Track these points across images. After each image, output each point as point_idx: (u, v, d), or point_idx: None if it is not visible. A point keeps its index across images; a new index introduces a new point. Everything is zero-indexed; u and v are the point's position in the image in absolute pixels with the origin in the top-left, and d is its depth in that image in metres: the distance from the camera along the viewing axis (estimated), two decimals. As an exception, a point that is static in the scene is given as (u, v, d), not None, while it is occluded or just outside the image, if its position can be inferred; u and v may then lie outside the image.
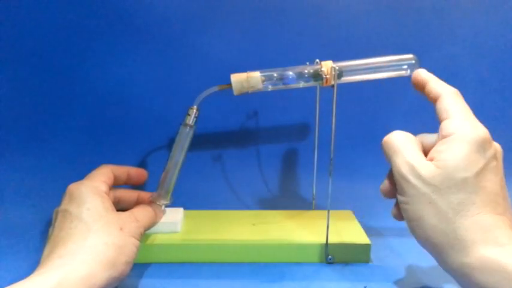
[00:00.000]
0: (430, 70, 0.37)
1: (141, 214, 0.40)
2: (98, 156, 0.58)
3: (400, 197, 0.34)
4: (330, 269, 0.42)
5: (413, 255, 0.44)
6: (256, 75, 0.41)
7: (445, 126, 0.34)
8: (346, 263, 0.43)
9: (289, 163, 0.62)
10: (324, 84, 0.41)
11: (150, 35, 0.56)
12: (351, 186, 0.60)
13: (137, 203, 0.45)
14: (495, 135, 0.34)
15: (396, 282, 0.40)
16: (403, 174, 0.33)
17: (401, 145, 0.34)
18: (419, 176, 0.32)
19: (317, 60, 0.41)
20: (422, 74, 0.37)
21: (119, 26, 0.56)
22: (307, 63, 0.42)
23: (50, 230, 0.36)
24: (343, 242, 0.44)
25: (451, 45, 0.60)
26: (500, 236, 0.30)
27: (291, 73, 0.41)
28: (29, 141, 0.57)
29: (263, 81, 0.41)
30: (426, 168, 0.32)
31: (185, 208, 0.50)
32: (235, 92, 0.41)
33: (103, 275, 0.32)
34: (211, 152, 0.60)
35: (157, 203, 0.43)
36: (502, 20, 0.59)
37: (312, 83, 0.42)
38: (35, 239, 0.47)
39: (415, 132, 0.37)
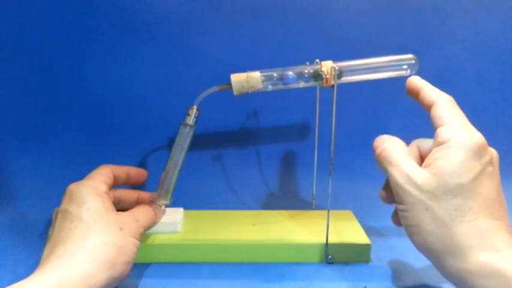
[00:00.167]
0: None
1: (141, 214, 0.40)
2: (98, 156, 0.58)
3: (398, 205, 0.35)
4: (330, 269, 0.42)
5: (413, 255, 0.43)
6: (256, 75, 0.41)
7: (441, 133, 0.34)
8: (346, 263, 0.43)
9: (289, 163, 0.62)
10: (324, 84, 0.41)
11: (150, 35, 0.56)
12: (351, 186, 0.60)
13: (137, 203, 0.45)
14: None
15: (396, 282, 0.40)
16: (399, 184, 0.34)
17: (396, 156, 0.35)
18: (415, 184, 0.33)
19: (317, 60, 0.41)
20: (416, 81, 0.38)
21: (119, 26, 0.56)
22: (307, 63, 0.42)
23: (50, 230, 0.36)
24: (343, 242, 0.44)
25: (451, 45, 0.60)
26: (497, 241, 0.31)
27: (291, 73, 0.41)
28: (29, 141, 0.57)
29: (263, 81, 0.41)
30: (421, 176, 0.33)
31: (185, 208, 0.50)
32: (235, 92, 0.41)
33: (103, 275, 0.32)
34: (211, 152, 0.60)
35: (157, 203, 0.43)
36: (502, 20, 0.59)
37: (312, 83, 0.42)
38: (35, 239, 0.47)
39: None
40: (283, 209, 0.52)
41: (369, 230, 0.46)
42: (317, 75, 0.41)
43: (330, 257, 0.43)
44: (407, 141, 0.38)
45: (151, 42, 0.57)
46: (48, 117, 0.57)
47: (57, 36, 0.55)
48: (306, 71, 0.41)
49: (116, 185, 0.43)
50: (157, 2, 0.56)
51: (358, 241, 0.44)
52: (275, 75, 0.41)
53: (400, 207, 0.34)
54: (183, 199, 0.48)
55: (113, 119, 0.58)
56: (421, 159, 0.36)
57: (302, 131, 0.61)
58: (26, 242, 0.46)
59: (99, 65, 0.57)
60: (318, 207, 0.53)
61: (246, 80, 0.40)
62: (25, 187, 0.56)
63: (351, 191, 0.59)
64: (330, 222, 0.43)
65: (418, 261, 0.43)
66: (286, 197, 0.60)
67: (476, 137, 0.33)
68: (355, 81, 0.42)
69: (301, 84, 0.42)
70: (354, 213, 0.51)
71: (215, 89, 0.41)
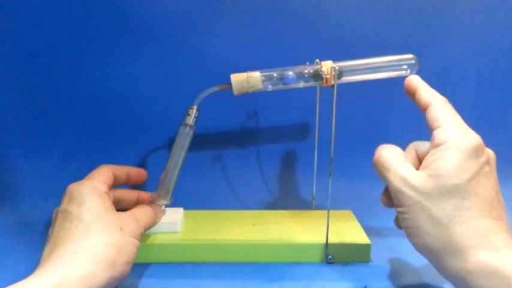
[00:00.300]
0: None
1: (141, 214, 0.40)
2: (98, 156, 0.58)
3: (398, 209, 0.35)
4: (330, 269, 0.42)
5: (413, 255, 0.43)
6: (256, 75, 0.41)
7: (438, 134, 0.34)
8: (346, 263, 0.43)
9: (289, 163, 0.62)
10: (324, 84, 0.41)
11: (150, 35, 0.56)
12: (351, 186, 0.60)
13: (137, 203, 0.45)
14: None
15: (396, 282, 0.40)
16: (397, 188, 0.34)
17: (392, 161, 0.35)
18: (412, 187, 0.33)
19: (317, 60, 0.41)
20: (413, 81, 0.38)
21: (119, 26, 0.56)
22: (307, 63, 0.42)
23: (50, 230, 0.36)
24: (343, 242, 0.44)
25: (451, 45, 0.60)
26: (495, 240, 0.31)
27: (291, 73, 0.41)
28: (29, 141, 0.57)
29: (263, 81, 0.41)
30: (418, 178, 0.33)
31: (185, 208, 0.50)
32: (235, 92, 0.41)
33: (103, 275, 0.32)
34: (211, 152, 0.60)
35: (157, 203, 0.43)
36: (502, 20, 0.59)
37: (312, 83, 0.42)
38: (35, 239, 0.47)
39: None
40: (283, 209, 0.52)
41: (369, 230, 0.46)
42: (317, 75, 0.41)
43: (330, 257, 0.43)
44: (408, 141, 0.38)
45: (151, 42, 0.57)
46: (48, 117, 0.57)
47: (57, 36, 0.55)
48: (306, 71, 0.41)
49: (116, 185, 0.43)
50: (157, 2, 0.56)
51: (358, 241, 0.44)
52: (275, 75, 0.41)
53: (400, 210, 0.35)
54: (183, 199, 0.48)
55: (113, 119, 0.58)
56: (419, 161, 0.36)
57: (302, 131, 0.61)
58: (26, 242, 0.46)
59: (99, 65, 0.57)
60: (318, 207, 0.53)
61: (246, 80, 0.40)
62: (25, 187, 0.56)
63: (351, 191, 0.59)
64: (330, 222, 0.43)
65: (418, 261, 0.43)
66: (286, 197, 0.60)
67: (473, 138, 0.33)
68: (355, 81, 0.42)
69: (301, 84, 0.42)
70: (354, 213, 0.51)
71: (215, 89, 0.41)
